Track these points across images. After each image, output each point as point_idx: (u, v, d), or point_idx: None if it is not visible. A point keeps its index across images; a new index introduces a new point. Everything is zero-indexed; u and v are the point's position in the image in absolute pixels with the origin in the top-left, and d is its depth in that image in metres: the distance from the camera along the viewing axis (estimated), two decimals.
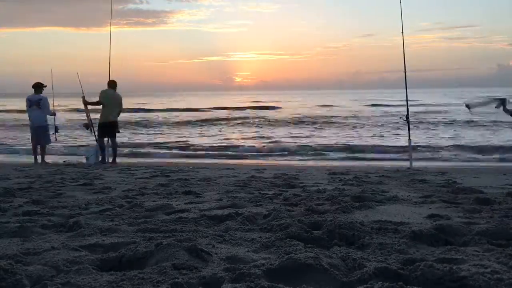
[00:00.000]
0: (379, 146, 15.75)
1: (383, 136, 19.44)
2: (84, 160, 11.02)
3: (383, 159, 13.08)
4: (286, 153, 14.92)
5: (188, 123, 28.51)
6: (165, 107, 47.33)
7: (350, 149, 15.25)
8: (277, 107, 46.70)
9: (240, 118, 31.74)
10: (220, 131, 23.79)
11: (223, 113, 37.74)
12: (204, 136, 21.19)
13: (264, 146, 16.60)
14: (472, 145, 15.53)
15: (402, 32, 9.45)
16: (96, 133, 10.74)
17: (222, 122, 28.90)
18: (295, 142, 17.46)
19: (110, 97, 10.62)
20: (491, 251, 2.33)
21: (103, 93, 10.64)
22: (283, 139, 18.76)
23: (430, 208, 3.86)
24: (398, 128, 21.42)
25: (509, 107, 8.95)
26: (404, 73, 9.42)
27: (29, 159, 11.42)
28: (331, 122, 27.13)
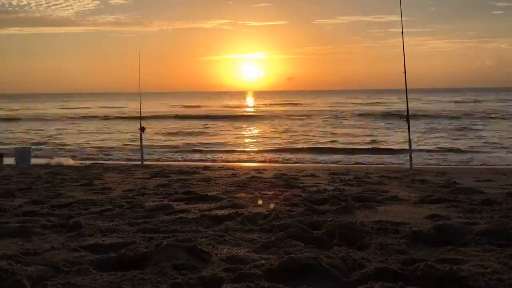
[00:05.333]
0: None
1: None
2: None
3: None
4: None
5: None
6: None
7: None
8: None
9: None
10: None
11: None
12: None
13: None
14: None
15: (402, 32, 9.47)
16: None
17: None
18: None
19: None
20: (491, 251, 2.33)
21: None
22: None
23: (430, 209, 3.86)
24: None
25: None
26: (404, 73, 9.43)
27: None
28: None
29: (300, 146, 17.64)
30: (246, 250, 2.55)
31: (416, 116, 26.12)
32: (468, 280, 1.82)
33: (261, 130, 25.30)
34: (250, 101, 75.96)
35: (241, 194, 4.94)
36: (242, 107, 52.40)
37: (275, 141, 19.71)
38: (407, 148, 9.83)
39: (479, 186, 5.51)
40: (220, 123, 29.75)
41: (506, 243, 2.48)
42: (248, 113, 40.90)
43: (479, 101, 50.18)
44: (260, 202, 4.28)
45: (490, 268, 1.95)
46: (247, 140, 21.02)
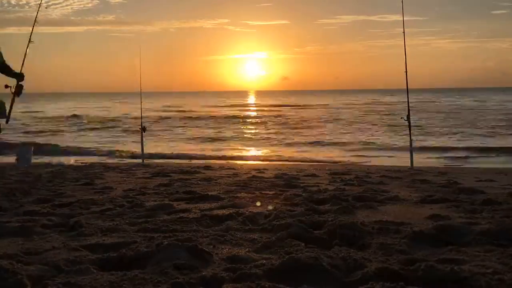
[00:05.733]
0: None
1: None
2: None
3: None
4: None
5: None
6: None
7: None
8: None
9: None
10: None
11: None
12: None
13: None
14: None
15: (404, 32, 9.47)
16: None
17: None
18: None
19: None
20: (493, 251, 2.33)
21: None
22: None
23: (431, 209, 3.85)
24: None
25: None
26: (405, 73, 9.42)
27: None
28: None
29: None
30: (247, 250, 2.55)
31: (417, 116, 26.09)
32: (469, 280, 1.82)
33: None
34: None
35: (242, 193, 4.94)
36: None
37: None
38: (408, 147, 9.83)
39: (480, 186, 5.50)
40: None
41: (507, 243, 2.48)
42: None
43: (483, 101, 50.20)
44: (258, 204, 4.27)
45: (491, 269, 1.95)
46: None
